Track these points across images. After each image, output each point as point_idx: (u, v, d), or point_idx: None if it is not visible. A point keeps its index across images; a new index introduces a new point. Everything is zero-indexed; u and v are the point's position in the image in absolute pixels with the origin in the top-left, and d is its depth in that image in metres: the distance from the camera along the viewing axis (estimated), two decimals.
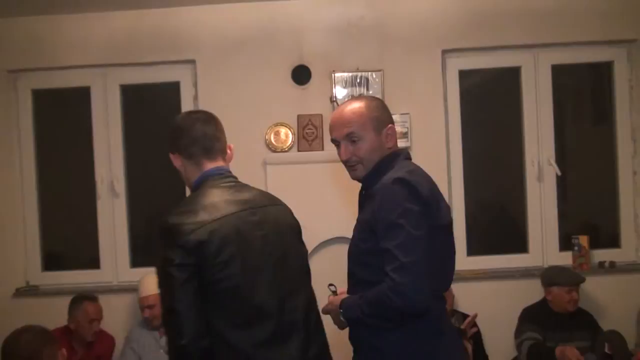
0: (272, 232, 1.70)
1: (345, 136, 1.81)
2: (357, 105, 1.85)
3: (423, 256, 1.64)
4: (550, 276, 3.42)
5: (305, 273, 1.83)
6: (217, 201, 1.65)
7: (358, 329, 1.78)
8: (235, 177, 1.79)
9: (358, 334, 1.80)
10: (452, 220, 1.84)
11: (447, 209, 1.79)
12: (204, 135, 1.75)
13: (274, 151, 3.62)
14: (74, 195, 4.02)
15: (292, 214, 1.86)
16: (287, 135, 3.62)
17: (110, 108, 3.81)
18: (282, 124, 3.62)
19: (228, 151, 1.85)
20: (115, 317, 3.65)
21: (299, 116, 3.60)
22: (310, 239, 3.32)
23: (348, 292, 1.84)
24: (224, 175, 1.75)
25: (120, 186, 3.80)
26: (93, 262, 3.86)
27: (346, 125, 1.81)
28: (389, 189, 1.70)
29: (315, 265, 3.47)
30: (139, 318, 3.58)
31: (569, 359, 3.07)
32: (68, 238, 4.10)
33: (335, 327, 1.89)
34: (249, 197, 1.72)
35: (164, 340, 3.21)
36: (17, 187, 3.86)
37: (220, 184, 1.71)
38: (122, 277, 3.80)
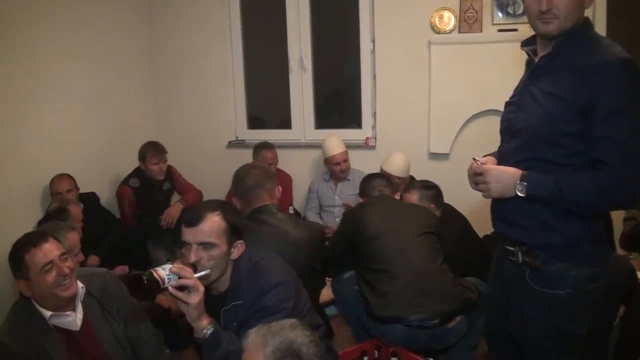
0: None
1: None
2: None
3: None
4: None
5: None
6: None
7: (533, 204, 1.53)
8: None
9: (529, 210, 1.55)
10: None
11: None
12: None
13: (438, 33, 3.82)
14: (271, 69, 4.49)
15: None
16: (449, 19, 3.79)
17: None
18: (446, 8, 3.80)
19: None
20: (302, 167, 4.31)
21: (461, 1, 3.77)
22: (465, 111, 3.83)
23: (506, 165, 1.60)
24: None
25: (308, 62, 4.23)
26: (285, 123, 4.43)
27: None
28: (618, 70, 1.42)
29: (468, 134, 3.90)
30: (319, 170, 4.20)
31: None
32: (267, 103, 4.64)
33: None
34: None
35: (337, 188, 3.98)
36: (229, 63, 4.40)
37: None
38: (308, 136, 4.37)
